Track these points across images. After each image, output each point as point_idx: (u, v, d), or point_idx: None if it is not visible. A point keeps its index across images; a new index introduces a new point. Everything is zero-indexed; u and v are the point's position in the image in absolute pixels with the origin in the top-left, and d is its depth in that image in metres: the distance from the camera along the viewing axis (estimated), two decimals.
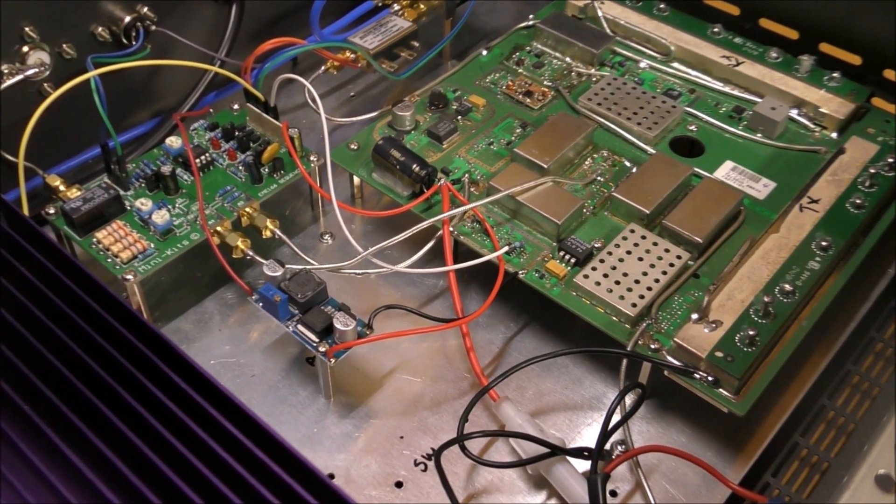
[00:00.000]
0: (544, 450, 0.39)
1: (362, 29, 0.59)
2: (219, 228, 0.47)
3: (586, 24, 0.59)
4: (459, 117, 0.54)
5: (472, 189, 0.49)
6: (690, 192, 0.48)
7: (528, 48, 0.59)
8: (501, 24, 0.68)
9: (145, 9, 0.52)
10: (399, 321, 0.46)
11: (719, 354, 0.40)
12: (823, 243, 0.45)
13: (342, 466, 0.42)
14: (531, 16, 0.61)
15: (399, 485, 0.41)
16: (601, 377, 0.46)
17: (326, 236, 0.53)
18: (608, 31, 0.59)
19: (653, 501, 0.40)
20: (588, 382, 0.45)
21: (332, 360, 0.41)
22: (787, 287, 0.43)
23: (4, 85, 0.48)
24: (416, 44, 0.61)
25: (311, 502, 0.31)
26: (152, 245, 0.46)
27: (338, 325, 0.41)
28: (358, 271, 0.46)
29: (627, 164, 0.51)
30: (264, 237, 0.48)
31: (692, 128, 0.53)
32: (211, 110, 0.54)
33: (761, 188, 0.49)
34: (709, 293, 0.42)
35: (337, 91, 0.63)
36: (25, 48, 0.48)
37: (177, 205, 0.49)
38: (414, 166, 0.48)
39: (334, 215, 0.52)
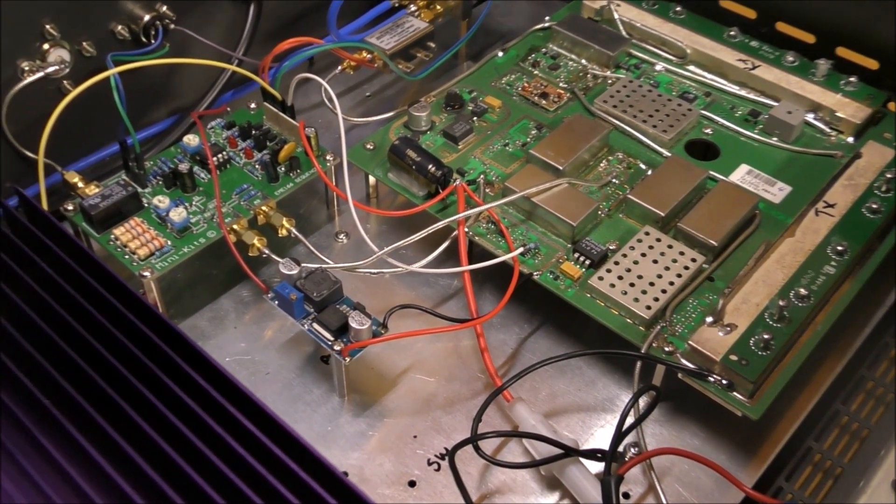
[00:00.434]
0: (558, 451, 0.39)
1: (379, 29, 0.60)
2: (235, 226, 0.47)
3: (602, 27, 0.59)
4: (475, 118, 0.54)
5: (487, 190, 0.50)
6: (706, 195, 0.48)
7: (543, 50, 0.59)
8: (517, 26, 0.68)
9: (164, 7, 0.52)
10: (413, 321, 0.46)
11: (734, 358, 0.40)
12: (839, 248, 0.45)
13: (356, 465, 0.42)
14: (547, 17, 0.61)
15: (412, 484, 0.41)
16: (614, 379, 0.46)
17: (341, 235, 0.53)
18: (624, 33, 0.59)
19: None
20: (601, 384, 0.45)
21: (347, 359, 0.42)
22: (803, 291, 0.43)
23: (25, 82, 0.48)
24: (432, 45, 0.61)
25: (329, 500, 0.31)
26: (169, 242, 0.47)
27: (353, 324, 0.41)
28: (373, 270, 0.46)
29: (642, 166, 0.51)
30: (280, 236, 0.48)
31: (708, 131, 0.53)
32: (228, 109, 0.54)
33: (777, 192, 0.49)
34: (724, 296, 0.42)
35: (353, 91, 0.63)
36: (46, 46, 0.49)
37: (194, 202, 0.49)
38: (430, 167, 0.48)
39: (349, 215, 0.52)
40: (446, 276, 0.50)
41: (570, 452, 0.39)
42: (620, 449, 0.40)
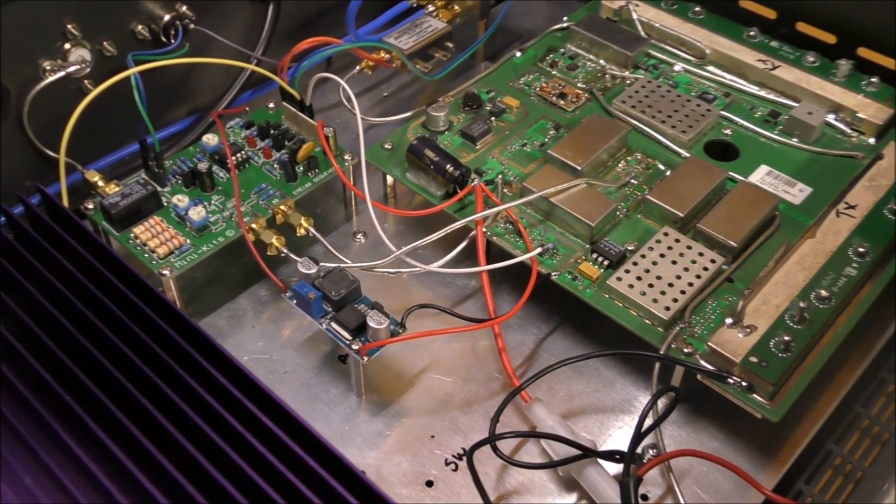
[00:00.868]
0: (576, 452, 0.39)
1: (397, 29, 0.60)
2: (254, 226, 0.48)
3: (621, 27, 0.59)
4: (493, 118, 0.54)
5: (505, 190, 0.50)
6: (725, 196, 0.48)
7: (561, 50, 0.59)
8: (535, 26, 0.68)
9: (184, 7, 0.53)
10: (431, 320, 0.46)
11: (754, 359, 0.40)
12: (860, 249, 0.45)
13: (373, 464, 0.42)
14: (565, 18, 0.61)
15: (430, 484, 0.41)
16: (632, 380, 0.45)
17: (359, 235, 0.53)
18: (643, 33, 0.59)
19: None
20: (619, 385, 0.45)
21: (365, 358, 0.42)
22: (823, 293, 0.42)
23: (46, 81, 0.49)
24: (450, 45, 0.61)
25: (349, 499, 0.31)
26: (188, 241, 0.47)
27: (371, 324, 0.41)
28: (391, 270, 0.47)
29: (661, 167, 0.51)
30: (298, 235, 0.49)
31: (727, 131, 0.53)
32: (247, 108, 0.55)
33: (797, 193, 0.49)
34: (743, 298, 0.42)
35: (371, 91, 0.63)
36: (67, 45, 0.49)
37: (213, 201, 0.49)
38: (448, 166, 0.48)
39: (367, 214, 0.52)
40: (464, 276, 0.50)
41: (589, 453, 0.38)
42: (639, 450, 0.40)
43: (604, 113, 0.54)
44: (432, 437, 0.43)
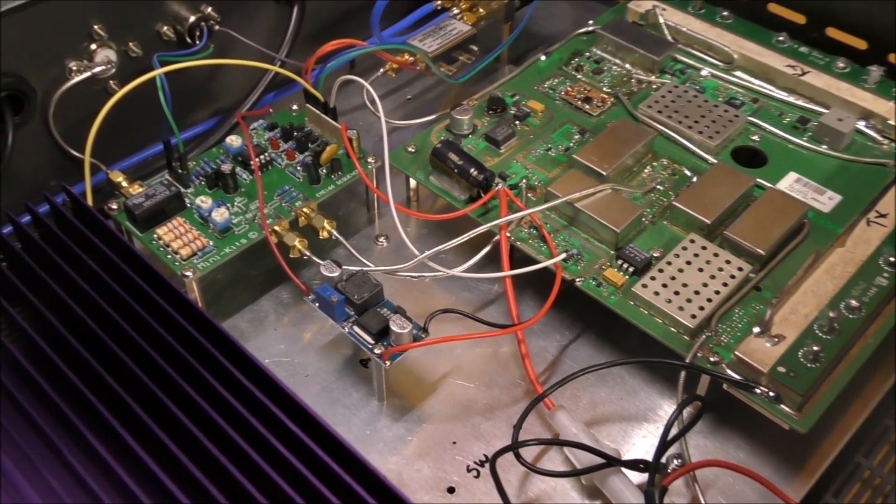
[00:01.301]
0: (600, 460, 0.39)
1: (421, 32, 0.60)
2: (276, 228, 0.48)
3: (647, 31, 0.59)
4: (517, 122, 0.54)
5: (529, 195, 0.50)
6: (753, 203, 0.47)
7: (587, 54, 0.59)
8: (559, 30, 0.68)
9: (209, 9, 0.53)
10: (453, 325, 0.46)
11: (782, 369, 0.39)
12: (892, 259, 0.44)
13: (394, 470, 0.42)
14: (591, 21, 0.61)
15: (451, 490, 0.41)
16: (657, 388, 0.45)
17: (381, 238, 0.53)
18: (669, 37, 0.59)
19: None
20: (643, 393, 0.45)
21: (388, 363, 0.42)
22: (853, 303, 0.42)
23: (72, 82, 0.49)
24: (474, 48, 0.61)
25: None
26: (211, 242, 0.47)
27: (394, 328, 0.41)
28: (413, 274, 0.47)
29: (687, 173, 0.51)
30: (321, 238, 0.49)
31: (755, 138, 0.53)
32: (270, 110, 0.55)
33: (826, 201, 0.49)
34: (771, 306, 0.42)
35: (394, 94, 0.63)
36: (93, 46, 0.50)
37: (235, 203, 0.49)
38: (472, 170, 0.48)
39: (389, 218, 0.52)
40: (487, 280, 0.50)
41: (613, 462, 0.38)
42: (663, 460, 0.40)
43: (629, 118, 0.54)
44: (454, 443, 0.43)
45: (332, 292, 0.43)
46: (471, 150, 0.52)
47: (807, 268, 0.44)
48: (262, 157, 0.51)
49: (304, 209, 0.49)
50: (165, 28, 0.52)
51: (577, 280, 0.45)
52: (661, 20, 0.60)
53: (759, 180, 0.49)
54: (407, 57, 0.58)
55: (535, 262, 0.46)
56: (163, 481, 0.33)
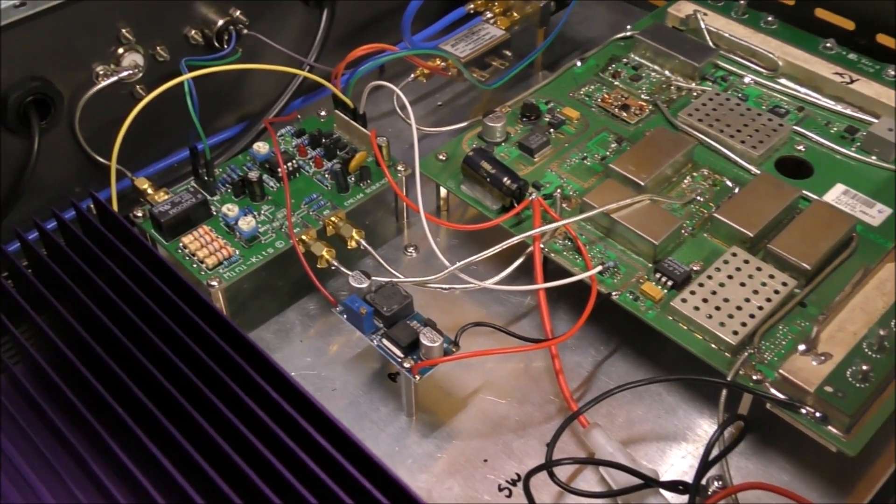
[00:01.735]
0: (637, 481, 0.39)
1: (453, 36, 0.61)
2: (304, 237, 0.48)
3: (688, 36, 0.59)
4: (552, 130, 0.54)
5: (564, 205, 0.50)
6: (798, 215, 0.47)
7: (624, 60, 0.59)
8: (596, 35, 0.68)
9: (238, 12, 0.54)
10: (484, 339, 0.46)
11: (829, 389, 0.39)
12: None
13: (424, 487, 0.42)
14: (629, 26, 0.61)
15: None
16: (696, 407, 0.45)
17: (410, 249, 0.54)
18: (711, 43, 0.59)
19: None
20: (682, 412, 0.45)
21: (417, 377, 0.42)
22: None
23: (98, 86, 0.50)
24: (508, 53, 0.62)
25: None
26: (237, 252, 0.48)
27: (424, 341, 0.42)
28: (444, 286, 0.47)
29: (729, 183, 0.51)
30: (349, 248, 0.49)
31: (800, 148, 0.53)
32: (299, 116, 0.56)
33: (876, 214, 0.48)
34: (818, 323, 0.42)
35: (425, 100, 0.64)
36: (121, 50, 0.51)
37: (262, 211, 0.50)
38: (505, 179, 0.49)
39: (419, 227, 0.53)
40: (519, 293, 0.51)
41: (651, 483, 0.38)
42: (704, 481, 0.39)
43: (669, 126, 0.54)
44: (485, 460, 0.43)
45: (360, 304, 0.44)
46: (503, 158, 0.53)
47: (855, 283, 0.44)
48: (289, 164, 0.52)
49: (332, 218, 0.50)
50: (193, 32, 0.53)
51: (614, 294, 0.45)
52: (703, 25, 0.60)
53: (804, 192, 0.49)
54: (438, 62, 0.59)
55: (570, 274, 0.46)
56: (190, 495, 0.33)
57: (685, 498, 0.38)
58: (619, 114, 0.55)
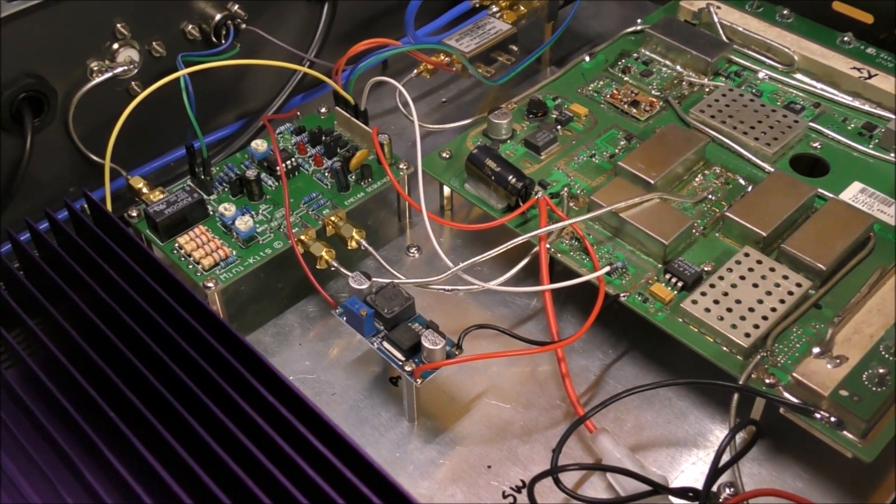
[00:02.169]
0: (645, 487, 0.39)
1: (458, 31, 0.61)
2: (303, 237, 0.49)
3: (700, 31, 0.60)
4: (559, 127, 0.55)
5: (571, 204, 0.50)
6: (813, 214, 0.48)
7: (635, 55, 0.60)
8: (605, 29, 0.68)
9: (236, 7, 0.55)
10: (488, 342, 0.47)
11: (844, 393, 0.39)
12: None
13: (426, 494, 0.43)
14: (639, 20, 0.61)
15: None
16: (707, 412, 0.45)
17: (413, 249, 0.54)
18: (724, 38, 0.59)
19: None
20: (693, 417, 0.45)
21: (419, 381, 0.42)
22: None
23: (93, 83, 0.51)
24: (514, 48, 0.62)
25: None
26: (234, 252, 0.48)
27: (426, 344, 0.42)
28: (447, 287, 0.47)
29: (742, 182, 0.51)
30: (349, 248, 0.50)
31: (816, 145, 0.53)
32: (298, 113, 0.56)
33: (893, 213, 0.49)
34: (833, 325, 0.42)
35: (428, 96, 0.64)
36: (116, 45, 0.51)
37: (260, 211, 0.51)
38: (510, 178, 0.49)
39: (422, 227, 0.53)
40: (525, 295, 0.51)
41: (660, 490, 0.39)
42: (714, 488, 0.40)
43: (680, 123, 0.54)
44: (489, 467, 0.44)
45: (360, 306, 0.44)
46: (509, 156, 0.53)
47: (872, 284, 0.44)
48: (288, 162, 0.52)
49: (332, 218, 0.50)
50: (190, 27, 0.54)
51: (622, 295, 0.45)
52: (716, 19, 0.60)
53: (820, 190, 0.49)
54: (443, 57, 0.59)
55: (577, 275, 0.46)
56: (182, 499, 0.34)
57: None
58: (629, 110, 0.56)
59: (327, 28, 0.59)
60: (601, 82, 0.58)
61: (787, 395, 0.40)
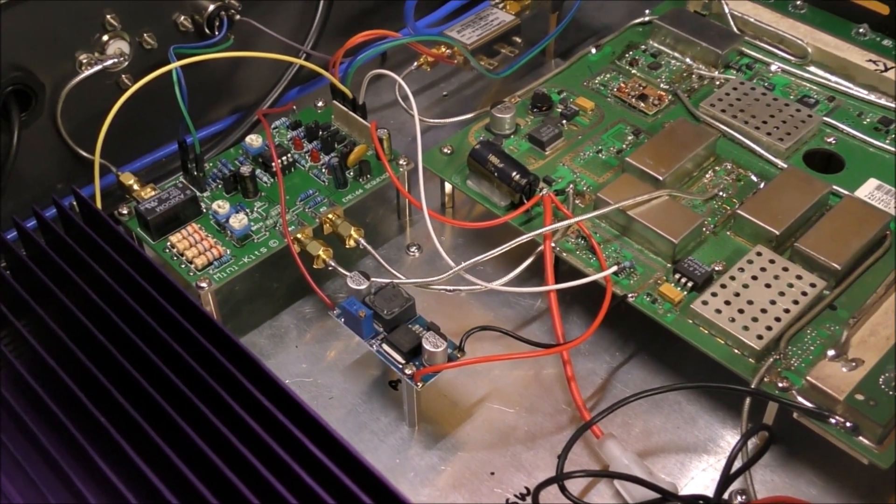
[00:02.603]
0: (654, 495, 0.39)
1: (460, 22, 0.61)
2: (299, 236, 0.49)
3: (710, 22, 0.60)
4: (564, 121, 0.55)
5: (577, 201, 0.50)
6: (827, 212, 0.48)
7: (643, 47, 0.60)
8: (612, 21, 0.68)
9: None
10: (491, 344, 0.47)
11: (860, 397, 0.39)
12: None
13: (427, 502, 0.43)
14: (647, 11, 0.61)
15: None
16: (718, 417, 0.45)
17: (413, 248, 0.54)
18: (735, 29, 0.59)
19: None
20: (703, 422, 0.45)
21: (419, 385, 0.42)
22: None
23: (82, 76, 0.51)
24: (518, 40, 0.62)
25: None
26: (228, 251, 0.48)
27: (427, 346, 0.42)
28: (449, 287, 0.47)
29: (754, 178, 0.51)
30: (347, 247, 0.50)
31: (830, 140, 0.53)
32: (294, 107, 0.56)
33: None
34: (848, 327, 0.42)
35: (429, 89, 0.64)
36: (105, 37, 0.51)
37: (255, 209, 0.51)
38: (514, 174, 0.49)
39: (422, 225, 0.53)
40: (529, 295, 0.51)
41: (669, 497, 0.39)
42: (726, 495, 0.40)
43: (689, 117, 0.54)
44: (492, 473, 0.44)
45: (359, 307, 0.44)
46: (513, 151, 0.53)
47: (889, 285, 0.44)
48: (284, 158, 0.52)
49: (330, 215, 0.50)
50: (183, 18, 0.54)
51: (630, 296, 0.45)
52: (727, 10, 0.60)
53: (834, 187, 0.49)
54: (444, 49, 0.59)
55: (583, 275, 0.46)
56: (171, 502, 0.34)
57: None
58: (637, 104, 0.56)
59: (324, 19, 0.59)
60: (608, 75, 0.58)
61: (800, 399, 0.40)
